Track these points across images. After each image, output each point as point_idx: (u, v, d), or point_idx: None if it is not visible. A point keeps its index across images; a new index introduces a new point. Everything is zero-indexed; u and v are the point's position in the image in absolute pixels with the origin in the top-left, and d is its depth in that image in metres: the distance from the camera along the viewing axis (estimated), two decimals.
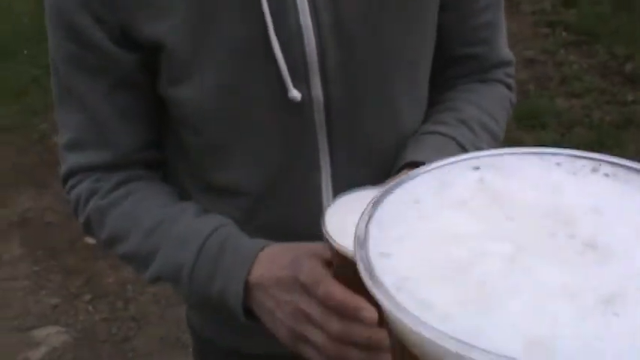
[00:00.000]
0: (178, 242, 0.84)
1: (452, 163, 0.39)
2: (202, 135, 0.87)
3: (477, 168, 0.38)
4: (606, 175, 0.38)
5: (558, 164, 0.38)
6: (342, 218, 0.68)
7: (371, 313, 0.66)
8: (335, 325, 0.69)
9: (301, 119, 0.84)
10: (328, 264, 0.72)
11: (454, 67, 0.98)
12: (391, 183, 0.38)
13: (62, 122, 0.91)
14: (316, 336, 0.71)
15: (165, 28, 0.79)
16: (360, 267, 0.33)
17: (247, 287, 0.78)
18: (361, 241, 0.34)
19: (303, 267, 0.72)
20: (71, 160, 0.91)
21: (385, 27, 0.83)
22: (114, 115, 0.87)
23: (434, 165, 0.39)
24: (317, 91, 0.83)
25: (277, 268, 0.76)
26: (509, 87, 1.00)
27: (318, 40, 0.81)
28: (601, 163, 0.38)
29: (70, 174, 0.92)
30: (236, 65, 0.81)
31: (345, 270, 0.66)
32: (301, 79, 0.82)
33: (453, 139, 0.88)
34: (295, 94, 0.81)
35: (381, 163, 0.89)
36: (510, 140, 3.61)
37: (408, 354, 0.31)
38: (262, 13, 0.78)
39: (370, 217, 0.36)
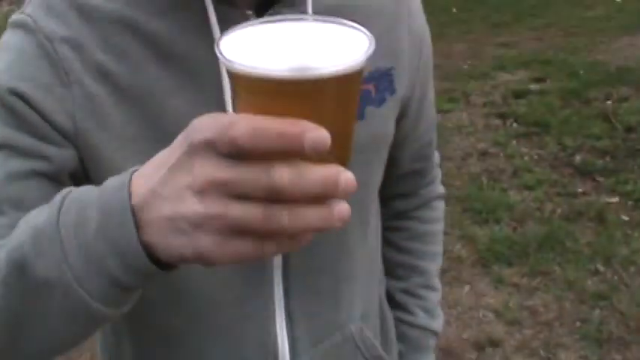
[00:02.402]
0: (33, 218, 0.61)
1: None
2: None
3: None
4: None
5: None
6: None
7: (322, 131, 0.45)
8: (280, 173, 0.45)
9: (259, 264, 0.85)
10: None
11: (399, 183, 1.10)
12: None
13: None
14: (248, 211, 0.46)
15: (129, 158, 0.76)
16: None
17: (136, 220, 0.53)
18: None
19: (195, 125, 0.49)
20: None
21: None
22: (6, 203, 0.75)
23: None
24: None
25: (159, 163, 0.52)
26: (442, 196, 1.18)
27: None
28: None
29: None
30: None
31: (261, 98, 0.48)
32: None
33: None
34: None
35: (333, 295, 0.94)
36: (465, 236, 3.65)
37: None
38: None
39: None
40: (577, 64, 6.15)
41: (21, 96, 0.74)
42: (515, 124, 5.03)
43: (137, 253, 0.53)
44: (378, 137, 0.91)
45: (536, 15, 8.29)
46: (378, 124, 0.89)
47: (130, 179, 0.54)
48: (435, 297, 1.15)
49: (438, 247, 1.17)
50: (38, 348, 0.65)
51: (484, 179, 4.24)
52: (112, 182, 0.56)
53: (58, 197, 0.59)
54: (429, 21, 1.00)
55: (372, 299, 1.03)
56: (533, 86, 5.73)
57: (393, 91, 0.89)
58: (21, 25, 0.77)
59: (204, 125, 0.48)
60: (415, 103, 0.97)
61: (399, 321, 1.13)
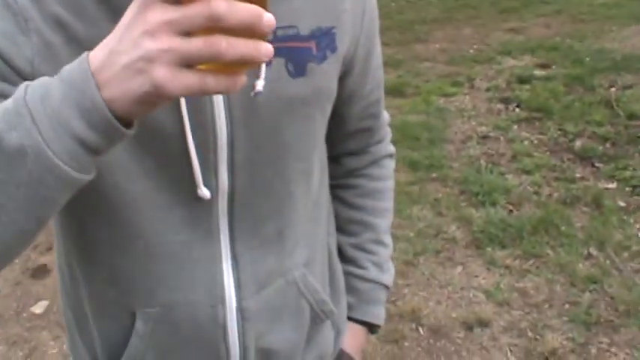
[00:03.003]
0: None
1: None
2: (102, 214, 0.88)
3: None
4: None
5: None
6: None
7: None
8: (217, 3, 0.54)
9: (205, 205, 0.88)
10: None
11: (349, 140, 1.15)
12: None
13: None
14: (193, 42, 0.55)
15: None
16: None
17: (96, 81, 0.60)
18: None
19: None
20: None
21: (287, 123, 0.91)
22: None
23: None
24: (223, 180, 0.88)
25: (114, 32, 0.60)
26: (392, 155, 1.24)
27: (229, 136, 0.86)
28: None
29: None
30: (148, 158, 0.84)
31: None
32: (210, 169, 0.87)
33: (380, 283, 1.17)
34: (205, 191, 0.86)
35: (277, 242, 0.97)
36: (461, 218, 3.65)
37: None
38: (180, 113, 0.82)
39: None
40: (583, 51, 6.12)
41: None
42: (517, 109, 5.02)
43: (100, 109, 0.60)
44: (320, 92, 0.94)
45: (546, 1, 8.24)
46: (320, 79, 0.92)
47: (88, 54, 0.62)
48: (385, 252, 1.19)
49: (388, 204, 1.21)
50: (10, 229, 0.67)
51: (483, 162, 4.24)
52: (72, 63, 0.63)
53: (22, 85, 0.64)
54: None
55: (316, 248, 1.05)
56: (538, 72, 5.71)
57: (334, 49, 0.93)
58: None
59: None
60: (359, 61, 1.00)
61: (349, 275, 1.16)
